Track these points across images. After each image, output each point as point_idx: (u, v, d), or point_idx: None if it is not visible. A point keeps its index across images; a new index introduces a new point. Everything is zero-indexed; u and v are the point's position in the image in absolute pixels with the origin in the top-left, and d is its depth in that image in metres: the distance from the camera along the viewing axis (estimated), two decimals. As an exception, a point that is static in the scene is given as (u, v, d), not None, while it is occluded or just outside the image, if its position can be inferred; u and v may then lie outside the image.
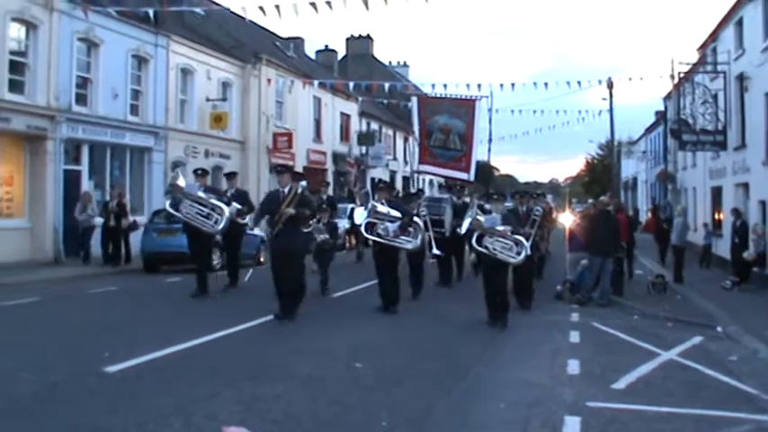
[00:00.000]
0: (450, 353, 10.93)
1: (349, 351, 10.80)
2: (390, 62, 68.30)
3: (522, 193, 19.06)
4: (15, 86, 23.15)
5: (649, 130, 56.28)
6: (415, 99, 29.96)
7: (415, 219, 15.41)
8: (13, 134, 23.19)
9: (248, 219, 16.98)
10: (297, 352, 10.70)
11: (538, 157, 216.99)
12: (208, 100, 33.53)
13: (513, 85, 31.28)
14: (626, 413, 8.30)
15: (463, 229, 15.45)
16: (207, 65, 33.50)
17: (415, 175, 41.63)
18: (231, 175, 19.70)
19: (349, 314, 14.93)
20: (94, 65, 26.59)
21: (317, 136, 44.21)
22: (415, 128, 29.40)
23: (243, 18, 24.30)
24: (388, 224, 14.63)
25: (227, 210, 15.64)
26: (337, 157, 46.77)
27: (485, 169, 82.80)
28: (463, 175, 28.11)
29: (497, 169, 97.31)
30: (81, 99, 26.06)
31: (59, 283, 19.13)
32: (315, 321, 13.58)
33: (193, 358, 10.14)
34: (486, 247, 13.56)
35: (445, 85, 33.18)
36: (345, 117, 48.62)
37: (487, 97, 32.71)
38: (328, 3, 19.41)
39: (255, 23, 43.60)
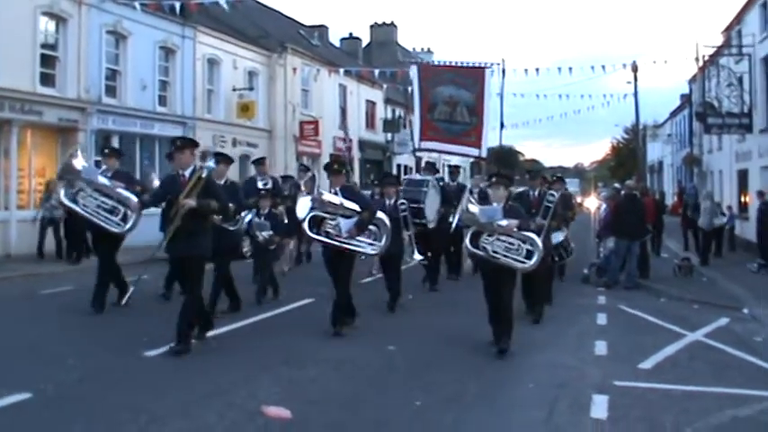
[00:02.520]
0: (480, 337, 10.84)
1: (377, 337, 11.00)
2: (414, 49, 68.21)
3: (534, 174, 14.63)
4: (47, 80, 23.48)
5: (675, 113, 55.97)
6: (414, 68, 26.25)
7: (380, 215, 11.74)
8: (45, 127, 23.56)
9: (238, 222, 12.79)
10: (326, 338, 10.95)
11: (563, 141, 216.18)
12: (234, 89, 33.76)
13: (537, 70, 30.95)
14: (652, 392, 8.52)
15: (453, 224, 12.94)
16: (233, 55, 33.73)
17: (418, 155, 37.05)
18: (260, 161, 17.70)
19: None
20: (123, 57, 26.89)
21: (343, 123, 44.39)
22: (416, 100, 25.60)
23: (268, 8, 24.24)
24: (342, 220, 11.08)
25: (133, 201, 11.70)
26: (364, 145, 46.94)
27: (509, 154, 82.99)
28: (473, 151, 25.26)
29: (522, 154, 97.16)
30: (110, 91, 26.38)
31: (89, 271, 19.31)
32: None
33: (225, 345, 10.42)
34: (485, 249, 10.21)
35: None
36: (371, 104, 48.73)
37: (498, 65, 28.81)
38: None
39: (280, 12, 43.99)
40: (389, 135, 49.77)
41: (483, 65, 25.45)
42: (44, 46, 23.54)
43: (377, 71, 39.04)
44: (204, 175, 9.77)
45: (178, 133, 28.74)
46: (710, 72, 27.73)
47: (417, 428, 7.13)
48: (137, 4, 25.42)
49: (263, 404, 7.41)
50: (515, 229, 10.18)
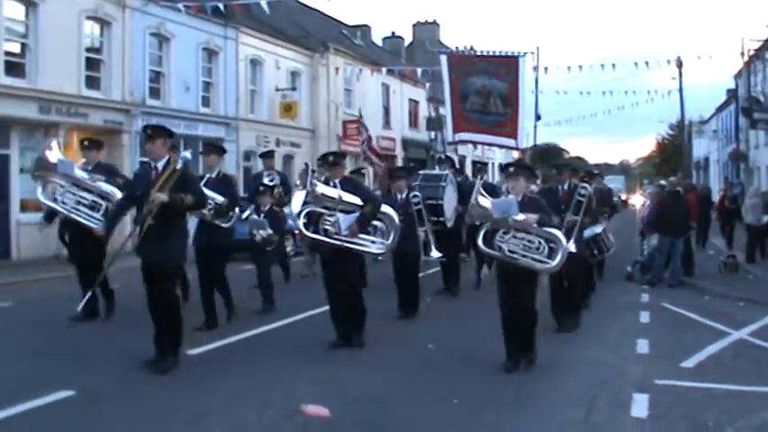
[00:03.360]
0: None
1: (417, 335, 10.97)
2: (457, 47, 68.08)
3: (561, 167, 13.00)
4: (92, 83, 23.87)
5: (720, 108, 55.30)
6: (443, 58, 24.99)
7: (387, 209, 10.61)
8: (90, 129, 23.79)
9: (232, 219, 11.66)
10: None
11: (608, 138, 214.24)
12: (277, 90, 33.96)
13: (580, 67, 31.00)
14: (694, 391, 8.39)
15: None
16: (275, 55, 33.93)
17: (450, 149, 34.81)
18: (268, 155, 16.59)
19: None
20: (166, 59, 27.20)
21: (386, 122, 44.42)
22: (446, 91, 24.61)
23: (310, 8, 24.22)
24: (341, 215, 9.91)
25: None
26: (407, 144, 46.94)
27: (554, 151, 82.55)
28: (509, 142, 24.38)
29: (567, 152, 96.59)
30: (154, 92, 26.72)
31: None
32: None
33: (264, 343, 10.52)
34: (500, 248, 9.04)
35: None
36: (414, 103, 48.72)
37: (532, 53, 28.06)
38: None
39: (322, 12, 44.13)
40: (432, 134, 49.72)
41: (516, 54, 24.22)
42: (89, 49, 23.94)
43: (419, 70, 39.01)
44: (179, 167, 8.63)
45: (221, 134, 29.00)
46: (756, 67, 27.46)
47: (454, 427, 7.12)
48: (180, 6, 25.70)
49: (302, 403, 7.45)
50: (534, 225, 8.97)
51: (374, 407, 7.61)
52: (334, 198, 9.92)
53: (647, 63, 31.82)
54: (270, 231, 12.86)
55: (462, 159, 52.52)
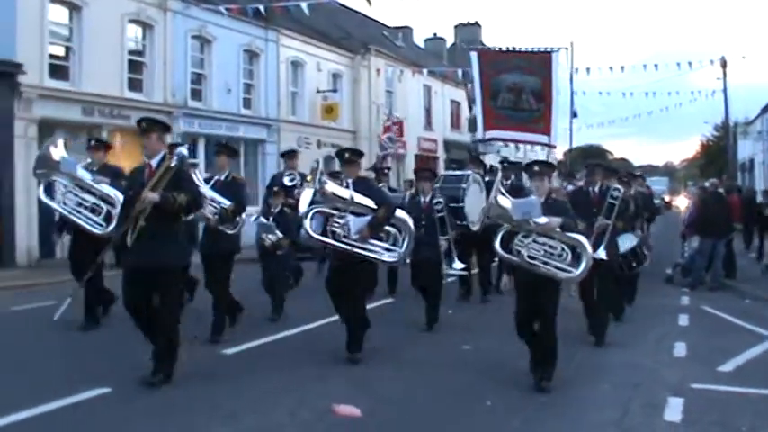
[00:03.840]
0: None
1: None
2: (500, 48, 67.67)
3: (592, 167, 11.98)
4: (134, 85, 24.12)
5: (766, 109, 54.49)
6: (474, 55, 23.86)
7: (401, 214, 9.77)
8: (133, 130, 23.96)
9: (238, 225, 10.93)
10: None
11: (651, 139, 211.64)
12: (318, 91, 34.06)
13: (622, 67, 30.74)
14: (730, 395, 8.31)
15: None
16: (317, 57, 34.03)
17: (480, 148, 33.35)
18: (290, 155, 15.34)
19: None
20: (208, 61, 27.42)
21: (428, 124, 44.40)
22: (476, 88, 23.52)
23: (351, 10, 24.02)
24: (351, 218, 9.21)
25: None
26: (449, 145, 46.88)
27: (597, 153, 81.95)
28: (543, 138, 23.14)
29: (611, 153, 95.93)
30: (196, 95, 26.93)
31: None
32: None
33: (299, 344, 10.56)
34: (519, 253, 8.38)
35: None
36: (455, 104, 48.63)
37: (567, 49, 26.50)
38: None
39: (363, 14, 44.22)
40: (475, 134, 49.60)
41: (550, 49, 23.23)
42: (131, 52, 24.18)
43: (460, 71, 38.91)
44: (173, 164, 8.03)
45: (263, 136, 29.19)
46: (803, 66, 26.94)
47: (487, 427, 7.12)
48: (222, 9, 25.91)
49: (334, 402, 7.50)
50: (558, 229, 8.34)
51: (405, 408, 7.64)
52: (345, 198, 9.22)
53: (689, 63, 31.72)
54: (279, 235, 12.04)
55: (504, 160, 52.27)
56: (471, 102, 39.41)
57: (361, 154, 10.12)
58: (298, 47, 32.56)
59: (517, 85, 22.64)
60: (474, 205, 14.22)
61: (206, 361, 9.30)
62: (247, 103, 29.62)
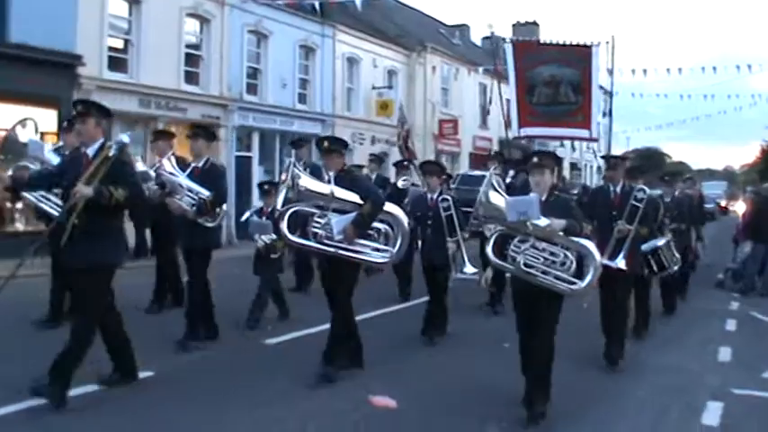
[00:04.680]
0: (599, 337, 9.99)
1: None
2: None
3: (615, 160, 10.43)
4: (191, 78, 24.45)
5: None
6: (508, 47, 22.43)
7: (392, 208, 8.68)
8: (188, 123, 24.40)
9: (218, 217, 9.84)
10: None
11: (710, 143, 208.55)
12: (374, 88, 34.15)
13: (679, 69, 30.40)
14: (772, 401, 8.24)
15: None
16: (372, 53, 34.12)
17: (537, 147, 31.03)
18: (298, 144, 14.48)
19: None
20: (264, 56, 27.65)
21: (483, 122, 44.26)
22: (511, 83, 22.22)
23: (408, 7, 23.71)
24: (333, 216, 8.20)
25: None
26: (504, 144, 46.65)
27: (655, 155, 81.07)
28: (582, 132, 22.20)
29: (669, 156, 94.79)
30: (251, 89, 27.17)
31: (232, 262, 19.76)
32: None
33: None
34: (514, 260, 7.21)
35: (610, 71, 32.54)
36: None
37: (608, 42, 25.04)
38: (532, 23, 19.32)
39: (421, 12, 44.20)
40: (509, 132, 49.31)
41: (590, 44, 22.12)
42: (189, 46, 24.53)
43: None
44: (111, 153, 7.06)
45: (317, 131, 29.32)
46: None
47: (523, 420, 7.10)
48: (279, 3, 26.14)
49: (370, 394, 7.57)
50: (561, 233, 7.12)
51: (441, 400, 7.68)
52: (324, 194, 8.21)
53: (749, 66, 31.10)
54: (274, 237, 10.65)
55: (560, 161, 51.78)
56: (489, 101, 38.71)
57: (344, 143, 8.90)
58: (354, 43, 32.66)
59: (555, 78, 21.74)
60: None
61: (247, 350, 9.47)
62: (302, 98, 29.80)
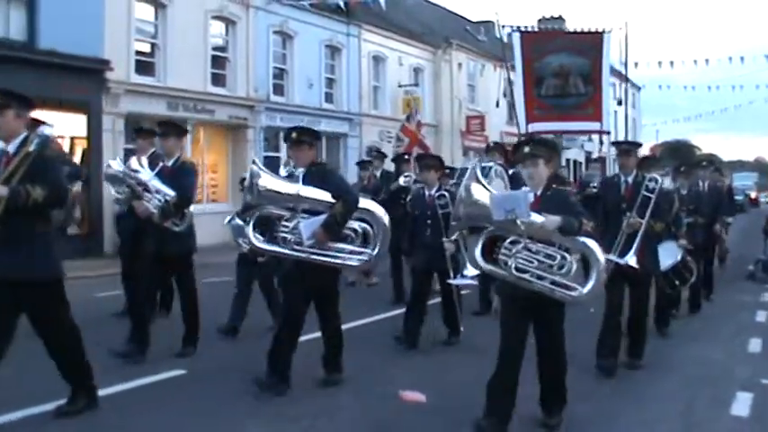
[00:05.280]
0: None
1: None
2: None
3: (626, 147, 9.33)
4: (217, 80, 24.73)
5: None
6: (516, 36, 21.82)
7: (369, 205, 7.95)
8: (216, 124, 24.72)
9: (185, 220, 9.01)
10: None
11: (740, 134, 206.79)
12: (400, 86, 34.23)
13: (707, 60, 30.31)
14: (802, 392, 8.19)
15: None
16: (398, 51, 34.23)
17: (565, 143, 29.06)
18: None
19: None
20: (290, 56, 27.87)
21: (510, 118, 44.13)
22: (518, 75, 21.69)
23: (433, 4, 23.44)
24: (302, 219, 7.34)
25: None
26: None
27: (685, 148, 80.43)
28: (593, 125, 21.48)
29: (699, 148, 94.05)
30: (278, 89, 27.41)
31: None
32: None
33: (366, 333, 10.59)
34: (505, 264, 6.29)
35: (636, 64, 32.49)
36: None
37: (621, 29, 24.34)
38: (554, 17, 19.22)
39: (445, 9, 44.19)
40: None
41: (602, 30, 21.35)
42: (215, 48, 24.85)
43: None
44: (32, 149, 6.33)
45: (345, 130, 29.44)
46: None
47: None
48: (305, 3, 26.30)
49: (400, 388, 7.62)
50: (557, 232, 6.18)
51: (471, 396, 7.67)
52: (290, 195, 7.38)
53: (775, 56, 30.87)
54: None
55: (588, 155, 51.72)
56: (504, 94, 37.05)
57: (314, 133, 7.88)
58: (379, 41, 32.78)
59: (564, 68, 20.92)
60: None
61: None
62: (329, 98, 29.97)
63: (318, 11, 28.06)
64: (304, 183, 7.42)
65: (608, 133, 23.40)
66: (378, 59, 32.99)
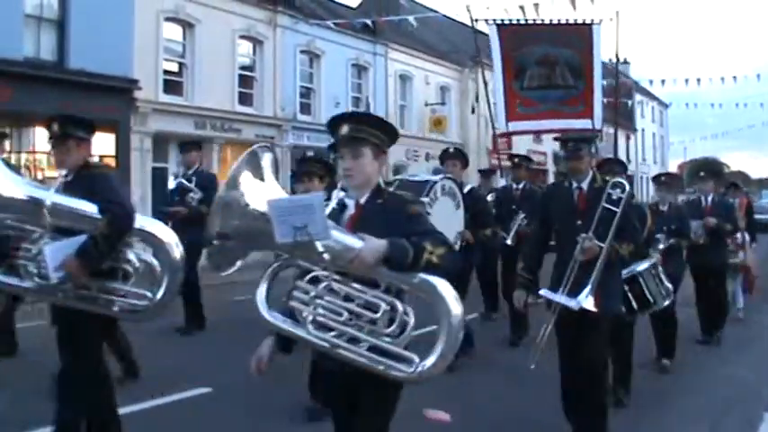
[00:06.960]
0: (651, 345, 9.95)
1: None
2: (611, 59, 66.57)
3: (574, 144, 6.72)
4: (245, 99, 24.90)
5: None
6: (493, 29, 19.01)
7: (154, 228, 5.54)
8: (243, 143, 24.72)
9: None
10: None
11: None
12: (427, 104, 34.30)
13: (734, 77, 29.99)
14: (834, 413, 8.08)
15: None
16: (424, 70, 34.32)
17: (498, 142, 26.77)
18: (187, 147, 11.98)
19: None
20: (316, 75, 28.03)
21: (537, 137, 44.07)
22: (496, 70, 18.94)
23: (459, 23, 22.96)
24: (49, 243, 5.07)
25: None
26: (558, 159, 46.46)
27: (714, 165, 79.83)
28: (584, 123, 18.18)
29: (727, 165, 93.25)
30: (305, 108, 27.56)
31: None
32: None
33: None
34: (303, 320, 3.99)
35: (663, 81, 32.30)
36: (565, 117, 48.13)
37: (612, 19, 20.02)
38: (536, 5, 19.18)
39: (472, 27, 44.21)
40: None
41: (590, 21, 18.96)
42: (242, 67, 25.04)
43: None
44: None
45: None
46: None
47: None
48: (330, 23, 26.41)
49: (424, 407, 7.57)
50: (382, 265, 3.75)
51: (495, 415, 7.66)
52: (32, 203, 5.14)
53: (806, 72, 30.57)
54: None
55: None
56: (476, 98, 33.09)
57: (86, 123, 5.70)
58: (406, 60, 32.88)
59: (549, 57, 18.43)
60: (442, 224, 6.18)
61: (299, 366, 9.48)
62: (356, 117, 29.99)
63: (345, 30, 28.17)
64: (68, 191, 5.27)
65: (599, 131, 20.21)
66: (404, 78, 33.08)
